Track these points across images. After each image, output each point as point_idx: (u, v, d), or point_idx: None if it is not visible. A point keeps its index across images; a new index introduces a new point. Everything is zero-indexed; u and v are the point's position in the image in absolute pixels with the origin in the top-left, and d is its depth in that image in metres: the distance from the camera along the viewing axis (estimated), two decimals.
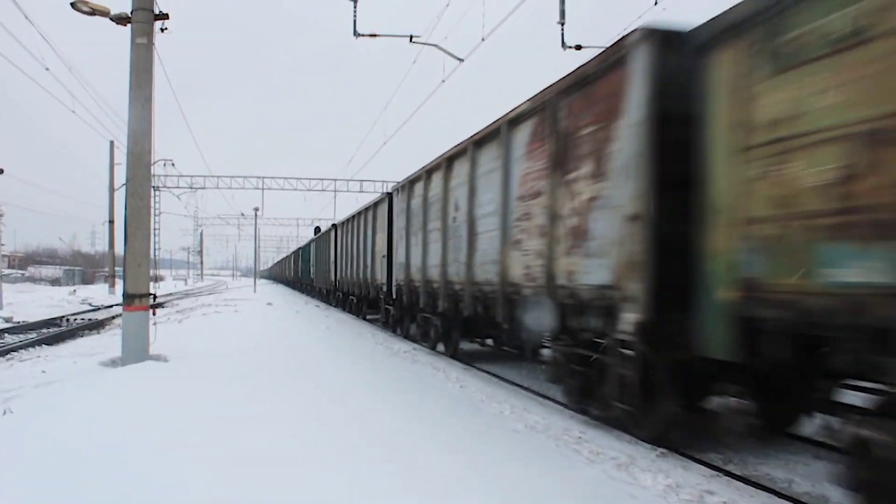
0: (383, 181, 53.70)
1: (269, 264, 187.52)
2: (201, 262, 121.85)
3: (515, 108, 9.50)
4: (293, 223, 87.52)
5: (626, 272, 6.58)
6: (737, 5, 5.48)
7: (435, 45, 17.23)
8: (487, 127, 10.56)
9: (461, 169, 11.83)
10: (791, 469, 6.59)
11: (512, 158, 9.66)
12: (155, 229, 56.23)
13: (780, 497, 5.67)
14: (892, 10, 4.32)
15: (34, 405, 7.50)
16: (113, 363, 11.25)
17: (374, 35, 17.08)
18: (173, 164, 52.57)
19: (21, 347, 16.39)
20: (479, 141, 10.90)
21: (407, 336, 17.30)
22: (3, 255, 44.49)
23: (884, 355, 4.36)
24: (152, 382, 8.52)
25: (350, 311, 25.24)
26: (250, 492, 4.71)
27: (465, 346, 14.74)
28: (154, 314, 11.44)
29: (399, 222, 16.33)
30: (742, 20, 5.41)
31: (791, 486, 6.09)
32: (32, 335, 19.52)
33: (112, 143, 47.47)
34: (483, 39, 15.64)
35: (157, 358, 10.89)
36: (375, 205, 20.68)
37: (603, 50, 7.20)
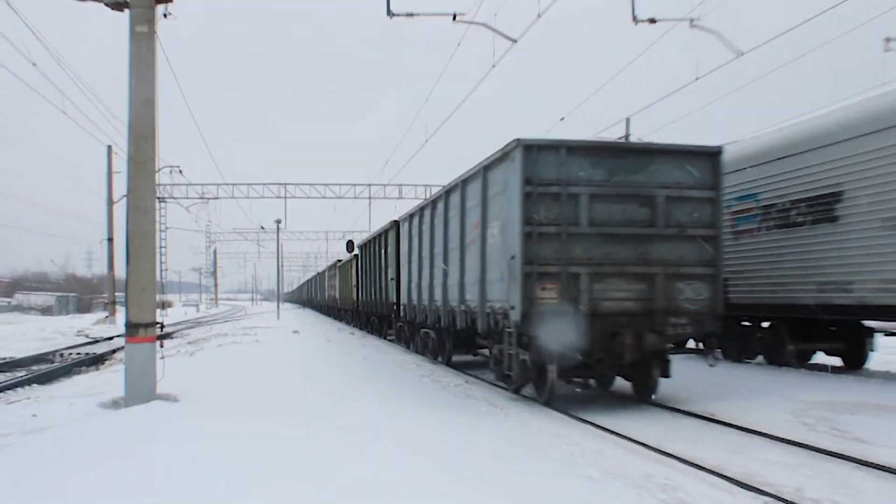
0: (426, 185, 53.77)
1: (295, 285, 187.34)
2: (215, 285, 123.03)
3: (470, 169, 15.14)
4: (322, 237, 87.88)
5: (512, 290, 12.70)
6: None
7: (483, 25, 17.30)
8: (455, 179, 16.25)
9: (440, 209, 17.83)
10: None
11: (467, 208, 15.59)
12: (161, 247, 56.98)
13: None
14: None
15: (20, 462, 7.62)
16: (115, 404, 11.44)
17: (411, 14, 17.18)
18: (181, 172, 52.80)
19: (8, 387, 16.66)
20: (449, 190, 16.80)
21: (417, 351, 23.20)
22: None
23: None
24: (162, 436, 8.61)
25: (372, 332, 31.69)
26: None
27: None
28: (161, 346, 11.61)
29: (403, 248, 22.88)
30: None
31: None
32: (22, 373, 19.95)
33: (110, 148, 48.31)
34: (539, 16, 15.67)
35: (166, 398, 11.05)
36: (386, 231, 27.21)
37: (497, 151, 13.31)
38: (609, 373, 13.82)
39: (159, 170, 30.86)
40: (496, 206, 13.78)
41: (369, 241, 31.87)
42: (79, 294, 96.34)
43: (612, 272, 12.85)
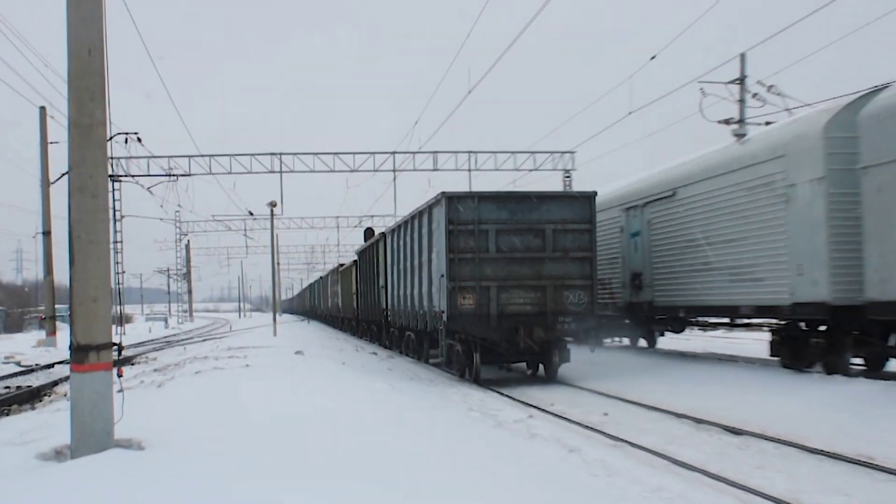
0: (468, 151, 53.76)
1: (297, 290, 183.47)
2: (189, 292, 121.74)
3: (423, 205, 27.29)
4: (331, 224, 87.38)
5: (442, 299, 24.77)
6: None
7: None
8: (415, 210, 28.62)
9: (410, 230, 29.63)
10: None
11: (422, 235, 27.60)
12: (116, 242, 54.04)
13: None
14: None
15: None
16: (58, 455, 11.42)
17: None
18: (140, 140, 50.58)
19: None
20: (413, 217, 28.82)
21: (402, 352, 35.83)
22: None
23: None
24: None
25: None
26: None
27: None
28: (120, 375, 11.61)
29: (389, 260, 35.04)
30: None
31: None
32: None
33: (43, 109, 48.15)
34: None
35: (128, 445, 11.01)
36: (377, 242, 39.47)
37: (432, 198, 26.02)
38: (513, 359, 25.97)
39: (111, 138, 30.34)
40: (434, 238, 26.07)
41: (366, 249, 45.08)
42: (6, 308, 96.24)
43: (514, 285, 24.50)
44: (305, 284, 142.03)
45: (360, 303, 48.89)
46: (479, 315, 24.35)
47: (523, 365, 28.14)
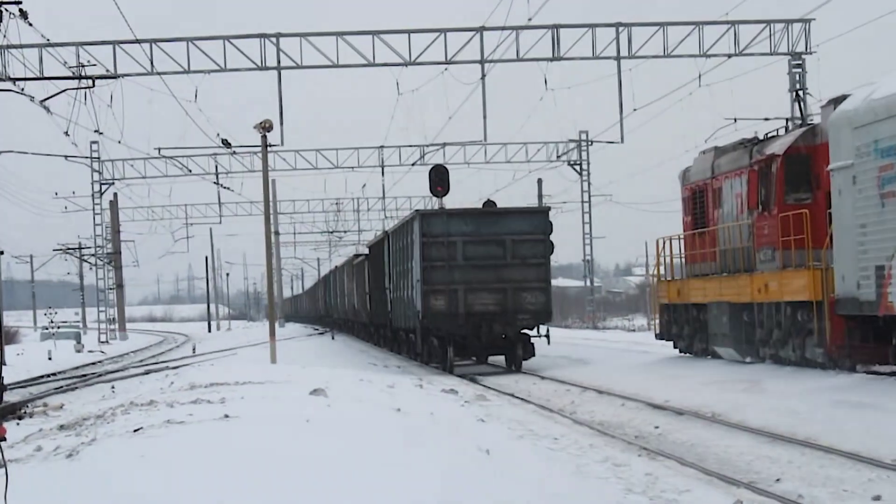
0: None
1: (302, 285, 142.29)
2: (118, 287, 76.03)
3: (402, 219, 37.95)
4: (371, 157, 64.72)
5: (419, 301, 31.73)
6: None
7: None
8: (397, 223, 39.96)
9: (398, 238, 36.60)
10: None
11: (404, 245, 34.76)
12: None
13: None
14: None
15: None
16: None
17: None
18: (26, 18, 25.93)
19: None
20: (397, 229, 37.54)
21: (379, 344, 48.14)
22: None
23: None
24: None
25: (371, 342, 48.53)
26: None
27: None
28: (2, 438, 9.57)
29: (387, 264, 40.09)
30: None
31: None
32: None
33: None
34: None
35: None
36: (381, 240, 43.50)
37: (408, 214, 36.03)
38: (480, 352, 31.77)
39: None
40: (413, 249, 31.81)
41: (375, 245, 47.65)
42: None
43: (479, 288, 30.04)
44: (326, 272, 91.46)
45: (372, 304, 47.55)
46: (449, 314, 30.56)
47: (502, 359, 32.70)
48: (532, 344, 30.91)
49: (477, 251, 30.17)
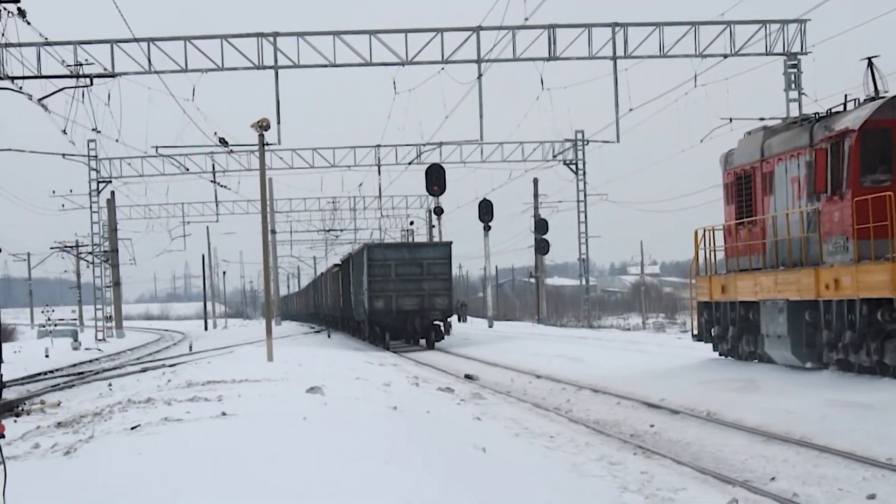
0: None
1: (298, 284, 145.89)
2: (115, 285, 75.56)
3: (357, 247, 62.79)
4: (367, 156, 65.21)
5: (366, 303, 51.84)
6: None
7: None
8: (355, 249, 63.47)
9: (353, 262, 58.33)
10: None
11: (359, 264, 54.19)
12: None
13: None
14: None
15: None
16: None
17: None
18: (24, 16, 27.35)
19: None
20: (354, 254, 59.46)
21: (348, 332, 66.90)
22: None
23: None
24: None
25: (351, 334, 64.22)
26: None
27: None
28: (1, 435, 9.69)
29: (349, 277, 59.64)
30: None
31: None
32: None
33: None
34: None
35: None
36: (346, 260, 61.55)
37: (360, 245, 64.74)
38: (407, 337, 49.92)
39: None
40: (363, 268, 49.91)
41: (345, 261, 63.92)
42: None
43: (406, 294, 48.19)
44: (320, 271, 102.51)
45: (343, 303, 63.54)
46: (386, 311, 48.33)
47: (423, 342, 49.49)
48: (442, 331, 49.19)
49: (405, 270, 48.52)
